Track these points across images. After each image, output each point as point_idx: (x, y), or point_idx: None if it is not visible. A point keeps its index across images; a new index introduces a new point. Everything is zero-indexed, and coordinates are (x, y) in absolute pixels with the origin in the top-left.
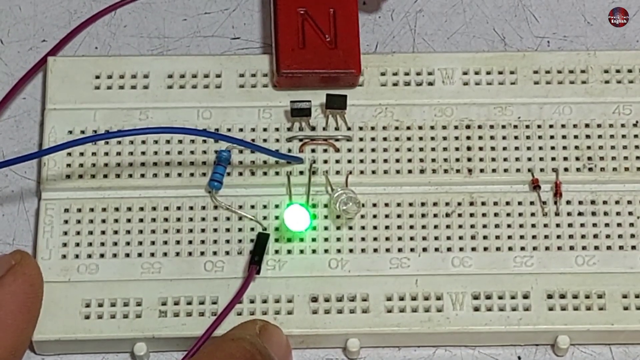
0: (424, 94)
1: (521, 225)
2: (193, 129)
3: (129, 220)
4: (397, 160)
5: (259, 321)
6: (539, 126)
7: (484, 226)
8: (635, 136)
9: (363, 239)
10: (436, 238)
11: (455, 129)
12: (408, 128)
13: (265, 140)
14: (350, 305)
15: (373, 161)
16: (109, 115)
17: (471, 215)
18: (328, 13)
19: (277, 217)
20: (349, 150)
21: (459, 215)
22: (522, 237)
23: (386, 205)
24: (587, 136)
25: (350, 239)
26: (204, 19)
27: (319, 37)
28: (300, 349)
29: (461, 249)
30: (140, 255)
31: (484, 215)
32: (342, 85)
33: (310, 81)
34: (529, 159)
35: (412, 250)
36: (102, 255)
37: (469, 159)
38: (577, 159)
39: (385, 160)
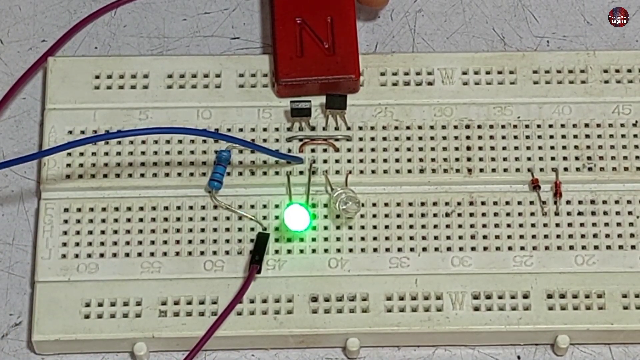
0: (423, 93)
1: (521, 225)
2: (193, 129)
3: (129, 220)
4: (397, 160)
5: None
6: (538, 126)
7: (484, 226)
8: (635, 136)
9: (363, 238)
10: (436, 238)
11: (454, 129)
12: (408, 128)
13: (265, 140)
14: (350, 305)
15: (373, 161)
16: (108, 115)
17: (471, 215)
18: (325, 21)
19: (277, 217)
20: (349, 150)
21: (459, 214)
22: (521, 236)
23: (386, 204)
24: (587, 136)
25: (350, 239)
26: (203, 19)
27: (317, 44)
28: (300, 348)
29: (461, 249)
30: (140, 254)
31: (483, 215)
32: (342, 91)
33: (311, 88)
34: (529, 159)
35: (411, 249)
36: (102, 255)
37: (469, 159)
38: (577, 158)
39: (385, 160)
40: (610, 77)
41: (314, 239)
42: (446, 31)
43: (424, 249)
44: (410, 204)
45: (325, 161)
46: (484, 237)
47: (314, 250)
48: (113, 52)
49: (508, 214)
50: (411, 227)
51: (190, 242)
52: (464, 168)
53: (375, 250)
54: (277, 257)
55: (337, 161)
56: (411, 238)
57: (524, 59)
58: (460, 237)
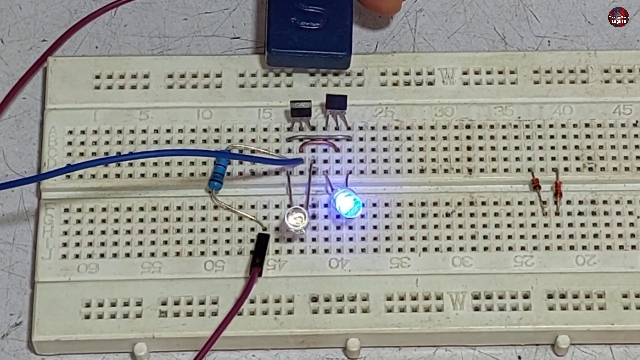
0: (424, 93)
1: (521, 225)
2: (194, 149)
3: (129, 220)
4: (397, 160)
5: None
6: (539, 126)
7: (484, 226)
8: (636, 136)
9: (363, 238)
10: (436, 238)
11: (455, 129)
12: (408, 128)
13: (265, 140)
14: (350, 305)
15: (373, 161)
16: (109, 115)
17: (471, 215)
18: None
19: (277, 217)
20: (349, 150)
21: (459, 215)
22: (522, 236)
23: (386, 205)
24: (587, 136)
25: (351, 239)
26: (204, 18)
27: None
28: (300, 348)
29: (461, 249)
30: (140, 255)
31: (484, 215)
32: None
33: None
34: (529, 159)
35: (412, 250)
36: (102, 255)
37: (469, 159)
38: (577, 158)
39: (385, 160)
40: (611, 77)
41: (314, 239)
42: (447, 31)
43: (425, 249)
44: (410, 204)
45: (325, 161)
46: (485, 237)
47: (314, 251)
48: (113, 52)
49: (508, 214)
50: (411, 227)
51: (190, 242)
52: (464, 168)
53: (375, 250)
54: (277, 257)
55: (337, 161)
56: (411, 238)
57: (525, 58)
58: (460, 237)
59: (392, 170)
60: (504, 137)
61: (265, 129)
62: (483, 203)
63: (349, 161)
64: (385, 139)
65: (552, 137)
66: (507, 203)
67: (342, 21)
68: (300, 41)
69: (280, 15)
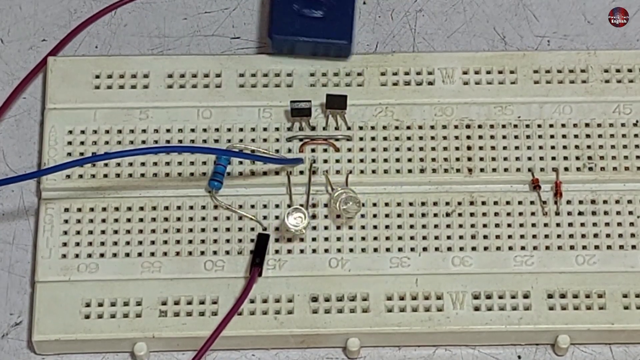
0: (424, 93)
1: (521, 225)
2: (192, 146)
3: (129, 220)
4: (397, 160)
5: None
6: (539, 126)
7: (484, 226)
8: (636, 135)
9: (363, 238)
10: (436, 237)
11: (455, 129)
12: (408, 128)
13: (265, 140)
14: (350, 305)
15: (373, 161)
16: (109, 115)
17: (471, 214)
18: None
19: (277, 217)
20: (349, 150)
21: (459, 214)
22: (522, 236)
23: (386, 204)
24: (587, 136)
25: (351, 239)
26: (204, 18)
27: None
28: (300, 348)
29: (461, 249)
30: (140, 254)
31: (484, 214)
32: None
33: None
34: (529, 159)
35: (412, 249)
36: (102, 255)
37: (469, 159)
38: (577, 158)
39: (386, 160)
40: (611, 77)
41: (314, 239)
42: (447, 30)
43: (425, 249)
44: (410, 204)
45: (325, 161)
46: (485, 237)
47: (314, 250)
48: (113, 52)
49: (508, 214)
50: (412, 227)
51: (190, 242)
52: (464, 168)
53: (375, 250)
54: (277, 257)
55: (337, 161)
56: (412, 238)
57: (525, 58)
58: (460, 237)
59: (392, 170)
60: (504, 137)
61: (265, 129)
62: (483, 203)
63: (349, 161)
64: (385, 139)
65: (552, 137)
66: (507, 203)
67: (345, 10)
68: (302, 28)
69: (283, 2)
